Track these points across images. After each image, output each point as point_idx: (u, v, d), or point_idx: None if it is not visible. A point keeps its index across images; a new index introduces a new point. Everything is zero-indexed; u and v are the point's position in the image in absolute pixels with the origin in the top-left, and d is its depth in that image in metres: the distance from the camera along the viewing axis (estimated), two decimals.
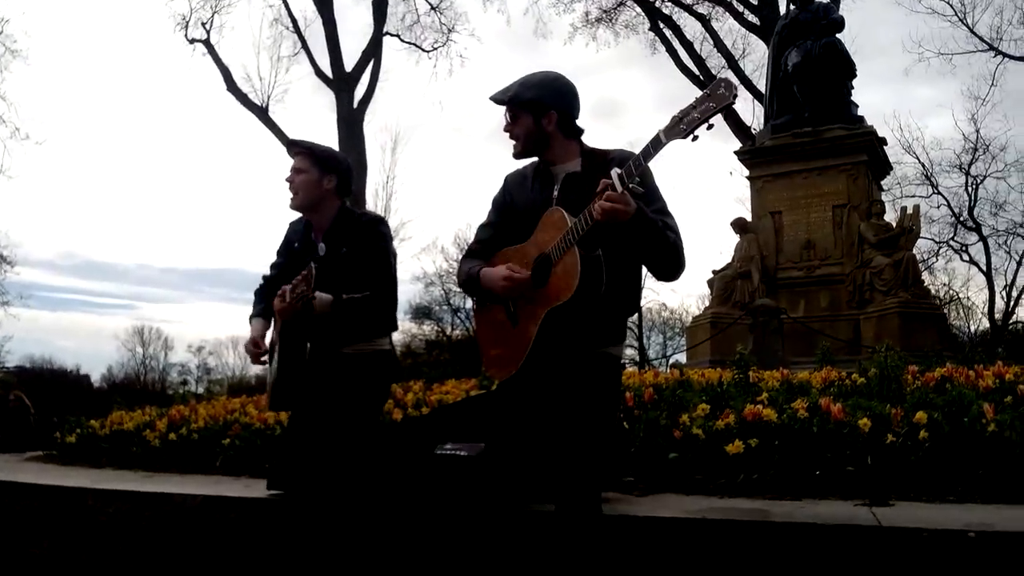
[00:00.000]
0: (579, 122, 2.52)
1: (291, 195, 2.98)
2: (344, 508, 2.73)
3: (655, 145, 2.06)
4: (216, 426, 5.22)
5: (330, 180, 2.98)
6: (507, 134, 2.52)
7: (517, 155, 2.52)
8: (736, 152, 11.15)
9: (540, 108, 2.44)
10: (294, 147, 3.05)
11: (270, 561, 3.03)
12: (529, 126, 2.45)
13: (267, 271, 3.29)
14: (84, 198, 68.73)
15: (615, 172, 2.10)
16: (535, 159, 2.55)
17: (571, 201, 2.27)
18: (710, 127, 2.00)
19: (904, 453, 3.08)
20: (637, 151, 2.15)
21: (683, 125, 2.00)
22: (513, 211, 2.53)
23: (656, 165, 2.42)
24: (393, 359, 3.01)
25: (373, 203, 22.86)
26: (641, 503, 2.89)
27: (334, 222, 2.97)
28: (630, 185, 2.08)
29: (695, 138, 2.01)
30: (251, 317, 3.16)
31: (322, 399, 2.83)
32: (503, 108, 2.53)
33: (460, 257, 2.80)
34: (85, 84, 60.07)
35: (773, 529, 2.49)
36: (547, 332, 2.27)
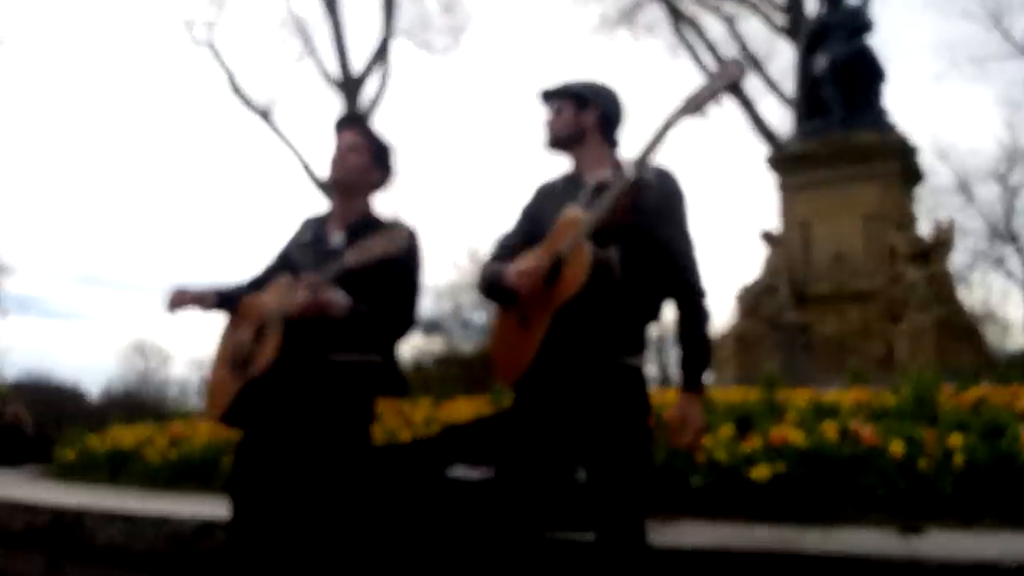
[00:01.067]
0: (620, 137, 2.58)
1: (336, 167, 2.85)
2: (345, 534, 2.68)
3: (666, 125, 2.14)
4: (217, 444, 5.24)
5: (376, 175, 2.91)
6: (547, 127, 2.57)
7: (550, 143, 2.56)
8: (766, 158, 11.13)
9: (583, 101, 2.51)
10: (356, 124, 2.97)
11: None
12: (569, 116, 2.51)
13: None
14: (83, 208, 69.38)
15: (628, 160, 2.14)
16: (568, 171, 2.58)
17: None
18: (719, 103, 2.09)
19: (938, 478, 3.05)
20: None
21: (693, 103, 2.08)
22: (541, 220, 2.55)
23: (685, 177, 2.45)
24: (381, 373, 2.83)
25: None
26: (662, 531, 2.88)
27: (361, 220, 2.85)
28: (643, 174, 2.12)
29: (704, 114, 2.11)
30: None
31: (300, 415, 2.65)
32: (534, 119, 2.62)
33: (469, 267, 2.81)
34: (84, 88, 60.84)
35: (801, 561, 2.47)
36: (556, 335, 2.25)
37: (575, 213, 2.29)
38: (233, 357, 2.84)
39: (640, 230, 2.23)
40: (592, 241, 2.18)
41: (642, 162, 2.11)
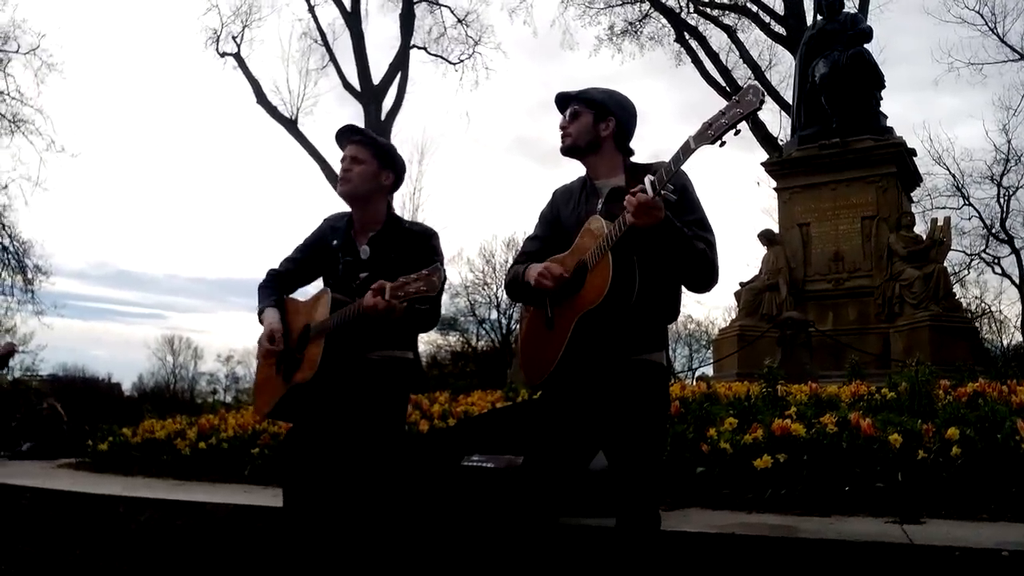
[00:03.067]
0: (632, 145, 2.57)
1: (342, 182, 2.86)
2: (369, 519, 2.70)
3: (685, 151, 2.09)
4: (245, 435, 5.27)
5: (387, 176, 2.88)
6: (561, 131, 2.56)
7: (565, 150, 2.55)
8: (763, 163, 11.08)
9: (602, 111, 2.50)
10: (356, 135, 2.92)
11: (296, 571, 3.05)
12: (587, 125, 2.50)
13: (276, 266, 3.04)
14: (114, 209, 70.06)
15: (648, 178, 2.13)
16: (583, 176, 2.59)
17: (614, 213, 2.30)
18: (737, 132, 2.04)
19: (936, 470, 3.03)
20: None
21: (711, 131, 2.04)
22: (559, 224, 2.57)
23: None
24: (414, 369, 2.87)
25: (400, 214, 22.95)
26: (668, 517, 2.86)
27: (383, 228, 2.87)
28: (662, 191, 2.10)
29: (723, 143, 2.05)
30: (264, 308, 2.91)
31: (343, 408, 2.68)
32: (552, 119, 2.60)
33: (498, 263, 2.79)
34: (117, 96, 61.16)
35: (802, 546, 2.47)
36: (580, 337, 2.28)
37: (599, 223, 2.29)
38: (279, 359, 2.86)
39: (648, 234, 2.20)
40: (615, 252, 2.19)
41: (662, 185, 2.10)
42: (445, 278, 2.54)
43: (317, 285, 3.02)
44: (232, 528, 3.54)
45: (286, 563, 2.75)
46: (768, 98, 19.22)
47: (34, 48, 20.95)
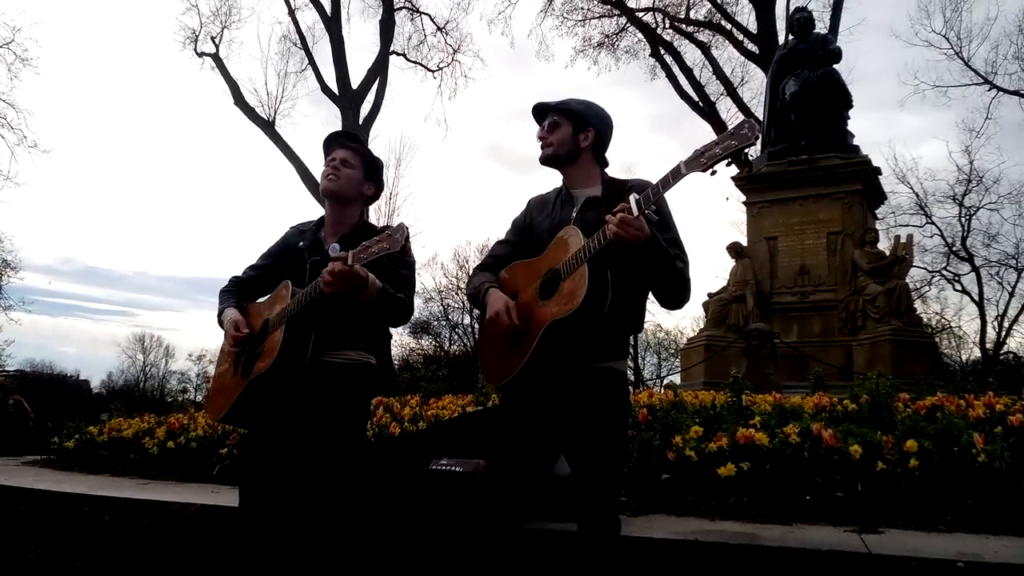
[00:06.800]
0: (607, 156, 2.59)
1: (330, 179, 2.86)
2: (334, 523, 2.65)
3: (675, 175, 2.10)
4: (214, 435, 5.20)
5: (370, 187, 2.95)
6: (540, 141, 2.57)
7: (545, 159, 2.56)
8: (733, 178, 11.19)
9: (581, 123, 2.52)
10: (352, 141, 2.98)
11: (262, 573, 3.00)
12: (567, 135, 2.52)
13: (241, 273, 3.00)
14: (83, 204, 69.24)
15: (633, 197, 2.13)
16: (559, 186, 2.60)
17: (588, 222, 2.32)
18: (729, 163, 2.04)
19: (894, 481, 3.07)
20: (653, 180, 2.18)
21: (704, 159, 2.05)
22: (531, 231, 2.58)
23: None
24: (375, 375, 2.81)
25: (375, 219, 22.79)
26: (633, 523, 2.88)
27: (354, 229, 2.87)
28: (646, 211, 2.11)
29: (714, 172, 2.06)
30: (223, 310, 2.88)
31: (297, 413, 2.63)
32: (528, 128, 2.60)
33: (472, 268, 2.76)
34: (90, 92, 60.54)
35: (763, 553, 2.48)
36: (547, 343, 2.27)
37: (575, 233, 2.29)
38: (236, 360, 2.81)
39: (632, 252, 2.20)
40: (591, 264, 2.19)
41: (647, 205, 2.11)
42: (408, 236, 2.49)
43: None
44: (198, 528, 3.49)
45: (243, 566, 2.69)
46: (740, 113, 19.55)
47: (8, 42, 20.72)
